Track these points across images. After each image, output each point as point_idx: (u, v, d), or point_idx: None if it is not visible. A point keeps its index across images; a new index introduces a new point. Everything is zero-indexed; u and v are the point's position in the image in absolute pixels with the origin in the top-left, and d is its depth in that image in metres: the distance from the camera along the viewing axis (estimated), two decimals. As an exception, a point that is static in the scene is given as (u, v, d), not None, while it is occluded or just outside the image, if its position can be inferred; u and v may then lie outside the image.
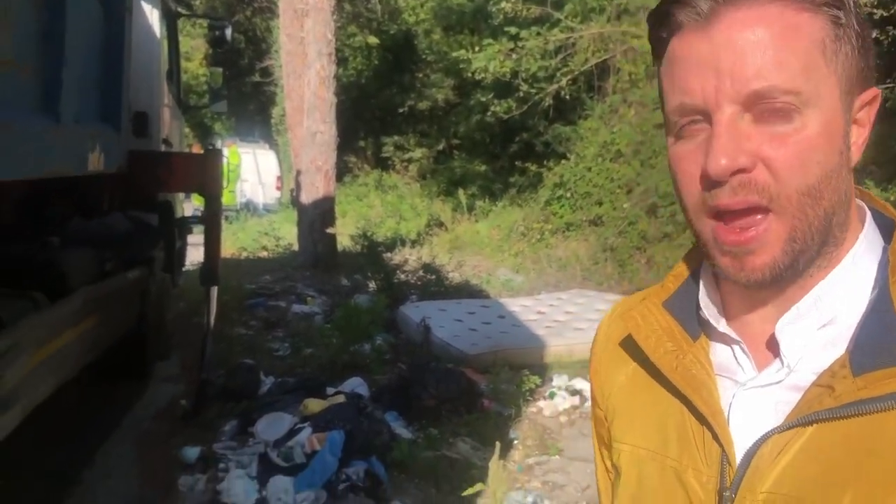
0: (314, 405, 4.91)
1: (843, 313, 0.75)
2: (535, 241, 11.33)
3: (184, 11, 7.56)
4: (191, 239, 7.44)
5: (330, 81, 11.08)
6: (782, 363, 0.76)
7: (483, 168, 18.79)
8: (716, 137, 0.71)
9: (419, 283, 9.25)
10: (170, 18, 6.75)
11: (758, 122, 0.71)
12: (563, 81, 13.07)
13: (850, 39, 0.73)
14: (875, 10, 4.91)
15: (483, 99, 15.95)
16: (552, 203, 11.63)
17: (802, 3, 0.72)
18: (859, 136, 0.76)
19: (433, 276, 9.24)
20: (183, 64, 8.89)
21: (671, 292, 0.89)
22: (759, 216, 0.72)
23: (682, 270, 0.90)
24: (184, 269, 7.48)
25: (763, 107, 0.71)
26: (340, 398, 5.12)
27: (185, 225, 7.03)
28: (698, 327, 0.85)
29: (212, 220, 5.54)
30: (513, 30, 13.37)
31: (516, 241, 11.81)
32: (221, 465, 4.34)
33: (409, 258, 10.70)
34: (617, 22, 12.92)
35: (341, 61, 17.73)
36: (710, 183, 0.72)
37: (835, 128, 0.73)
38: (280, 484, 4.03)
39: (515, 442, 4.90)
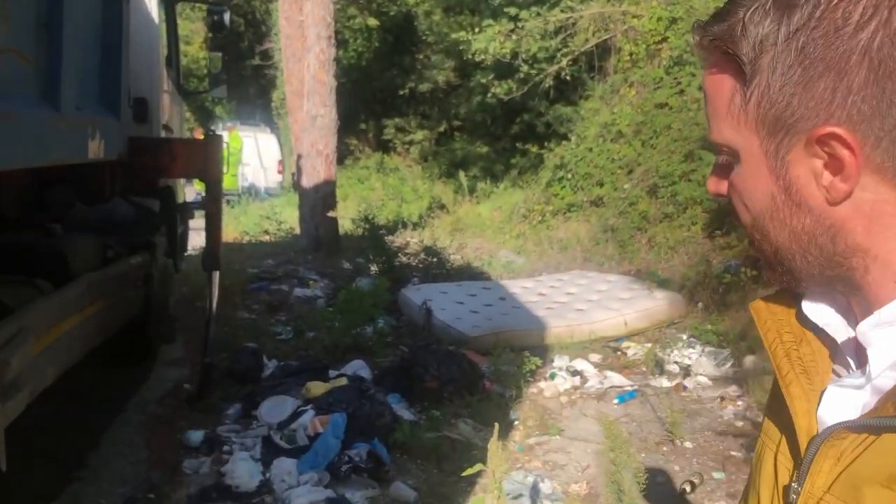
0: (317, 388, 4.95)
1: None
2: (537, 223, 11.33)
3: (182, -4, 7.53)
4: (192, 224, 7.47)
5: (329, 64, 11.06)
6: (865, 368, 0.75)
7: (484, 150, 18.77)
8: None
9: (421, 265, 9.29)
10: (168, 3, 6.74)
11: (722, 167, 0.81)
12: (564, 62, 13.03)
13: (766, 77, 0.70)
14: None
15: (483, 80, 15.92)
16: (553, 184, 11.63)
17: (716, 56, 0.75)
18: (833, 175, 0.70)
19: (435, 259, 9.27)
20: (182, 48, 8.87)
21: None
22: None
23: None
24: (186, 253, 7.52)
25: (718, 153, 0.81)
26: (343, 381, 5.16)
27: (187, 210, 7.05)
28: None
29: (213, 204, 5.56)
30: (512, 10, 13.33)
31: (517, 223, 11.82)
32: (225, 448, 4.39)
33: (410, 241, 10.73)
34: (617, 1, 12.85)
35: (341, 43, 17.69)
36: None
37: (757, 174, 0.75)
38: (283, 466, 4.08)
39: (516, 422, 4.95)
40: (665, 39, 11.30)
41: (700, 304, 7.18)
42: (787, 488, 0.78)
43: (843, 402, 0.75)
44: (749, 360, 5.83)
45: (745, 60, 0.71)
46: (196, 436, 4.50)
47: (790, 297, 0.85)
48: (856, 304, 0.77)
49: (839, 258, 0.74)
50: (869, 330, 0.73)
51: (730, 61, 0.73)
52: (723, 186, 0.81)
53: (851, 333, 0.78)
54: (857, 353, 0.78)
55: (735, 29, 0.71)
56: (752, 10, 0.70)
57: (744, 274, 6.71)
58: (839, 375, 0.79)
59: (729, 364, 5.92)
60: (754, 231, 0.79)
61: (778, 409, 0.84)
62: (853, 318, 0.78)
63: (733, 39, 0.72)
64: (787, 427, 0.81)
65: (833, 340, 0.80)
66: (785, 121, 0.71)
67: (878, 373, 0.72)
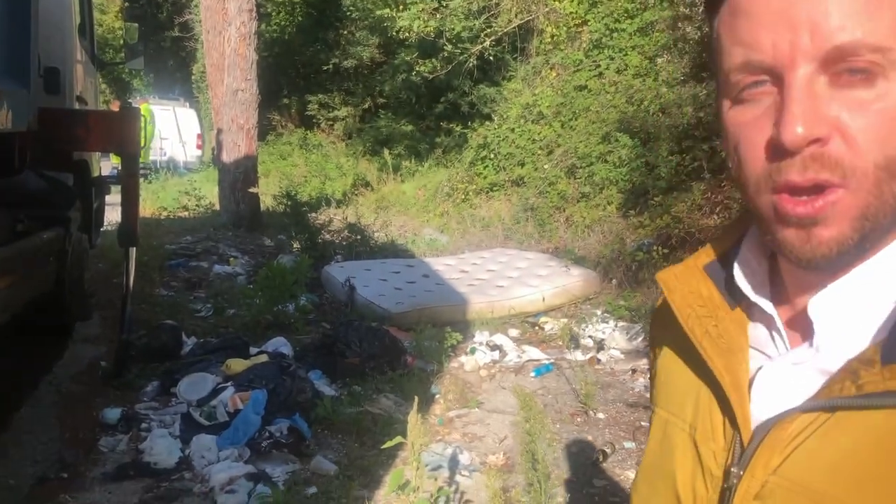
0: (237, 365, 4.95)
1: (885, 297, 0.68)
2: (460, 202, 11.46)
3: (96, -37, 7.29)
4: (109, 199, 7.29)
5: (251, 38, 10.88)
6: (811, 344, 0.71)
7: (409, 128, 18.76)
8: (791, 101, 0.62)
9: (344, 243, 9.29)
10: (81, -30, 6.51)
11: (835, 86, 0.62)
12: (487, 42, 13.13)
13: None
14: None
15: (408, 58, 15.89)
16: (476, 164, 11.76)
17: None
18: None
19: (358, 237, 9.29)
20: (97, 17, 8.58)
21: (713, 257, 0.83)
22: (828, 190, 0.63)
23: (727, 237, 0.84)
24: (102, 229, 7.33)
25: (843, 66, 0.61)
26: (263, 358, 5.16)
27: (103, 184, 6.88)
28: (737, 298, 0.79)
29: (130, 179, 5.45)
30: (437, -12, 13.32)
31: (441, 202, 11.92)
32: (143, 426, 4.35)
33: (334, 218, 10.70)
34: (540, -17, 13.00)
35: (263, 17, 17.34)
36: (780, 153, 0.64)
37: None
38: (203, 442, 4.07)
39: (437, 396, 5.05)
40: (585, 23, 11.51)
41: (614, 281, 7.43)
42: (727, 472, 0.74)
43: (780, 381, 0.73)
44: (659, 334, 6.07)
45: None
46: (113, 413, 4.44)
47: (697, 269, 0.82)
48: (818, 280, 0.71)
49: None
50: (820, 303, 0.70)
51: None
52: (820, 124, 0.62)
53: (772, 309, 0.75)
54: (795, 327, 0.75)
55: None
56: None
57: (656, 252, 6.97)
58: (761, 352, 0.76)
59: (641, 338, 6.15)
60: (885, 172, 0.63)
61: (685, 387, 0.82)
62: (766, 290, 0.77)
63: None
64: (707, 406, 0.78)
65: (753, 314, 0.78)
66: None
67: (829, 350, 0.69)
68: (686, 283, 0.81)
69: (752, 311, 0.79)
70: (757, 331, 0.78)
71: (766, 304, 0.75)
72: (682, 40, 9.28)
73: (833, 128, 0.62)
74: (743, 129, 0.68)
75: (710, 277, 0.81)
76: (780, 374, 0.73)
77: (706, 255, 0.84)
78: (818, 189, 0.63)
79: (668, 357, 0.88)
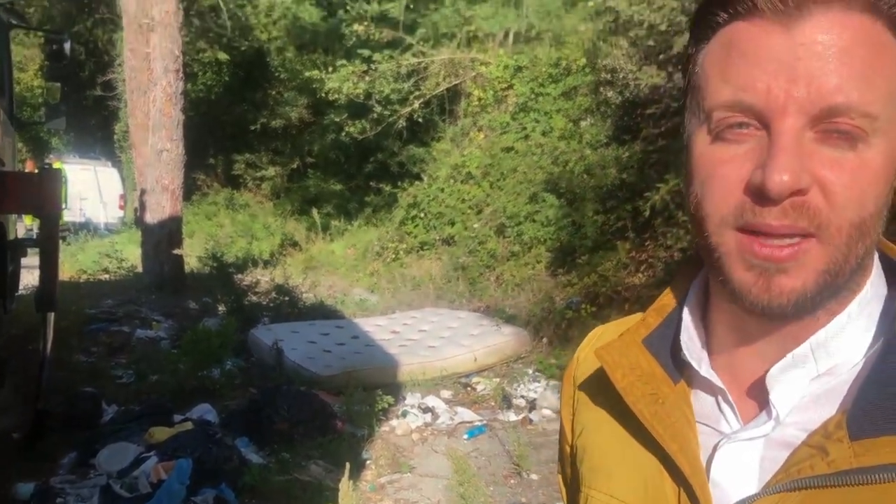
0: (160, 433, 4.77)
1: (841, 365, 0.68)
2: (390, 261, 11.46)
3: (17, 22, 7.15)
4: (26, 262, 7.02)
5: (177, 98, 10.78)
6: (770, 415, 0.69)
7: (338, 187, 18.77)
8: (780, 149, 0.62)
9: (272, 304, 9.13)
10: (1, 29, 6.38)
11: (820, 143, 0.63)
12: (416, 104, 13.35)
13: None
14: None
15: (338, 119, 15.98)
16: (406, 223, 11.82)
17: (892, 21, 0.64)
18: None
19: (286, 298, 9.15)
20: (16, 75, 8.38)
21: (652, 328, 0.81)
22: (799, 238, 0.64)
23: (663, 305, 0.82)
24: (17, 293, 7.04)
25: (830, 126, 0.63)
26: (188, 425, 5.00)
27: (19, 247, 6.63)
28: (679, 369, 0.77)
29: (49, 241, 5.27)
30: (366, 52, 13.54)
31: (371, 261, 11.89)
32: (59, 500, 4.13)
33: (261, 279, 10.54)
34: (467, 48, 13.36)
35: (190, 76, 17.26)
36: (760, 198, 0.63)
37: (894, 164, 0.65)
38: (124, 516, 3.89)
39: (368, 462, 4.96)
40: (511, 86, 11.84)
41: (545, 339, 7.50)
42: None
43: (740, 459, 0.70)
44: (590, 392, 6.13)
45: None
46: (26, 488, 4.20)
47: (636, 345, 0.79)
48: (762, 338, 0.70)
49: (860, 275, 0.68)
50: (779, 373, 0.69)
51: None
52: (805, 177, 0.63)
53: (717, 382, 0.73)
54: (740, 400, 0.73)
55: None
56: None
57: (584, 310, 7.09)
58: (711, 426, 0.74)
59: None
60: (856, 229, 0.64)
61: (629, 469, 0.77)
62: (711, 360, 0.75)
63: None
64: (660, 491, 0.74)
65: (701, 387, 0.76)
66: None
67: (786, 420, 0.68)
68: (626, 359, 0.78)
69: (693, 382, 0.77)
70: (701, 403, 0.75)
71: (716, 378, 0.73)
72: (605, 104, 9.62)
73: (814, 181, 0.63)
74: (718, 165, 0.67)
75: (650, 351, 0.78)
76: (739, 453, 0.70)
77: (644, 327, 0.81)
78: (791, 237, 0.64)
79: (602, 435, 0.82)
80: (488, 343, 7.19)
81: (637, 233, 7.79)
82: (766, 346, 0.70)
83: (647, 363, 0.77)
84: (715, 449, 0.72)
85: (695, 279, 0.81)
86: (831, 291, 0.66)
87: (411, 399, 6.19)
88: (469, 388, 6.64)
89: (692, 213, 0.70)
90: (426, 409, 5.99)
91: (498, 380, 6.65)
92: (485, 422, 5.84)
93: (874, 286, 0.71)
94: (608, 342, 0.81)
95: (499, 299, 8.88)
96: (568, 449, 0.90)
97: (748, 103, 0.64)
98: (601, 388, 0.81)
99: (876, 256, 0.72)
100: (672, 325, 0.79)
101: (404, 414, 5.86)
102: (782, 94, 0.63)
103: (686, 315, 0.78)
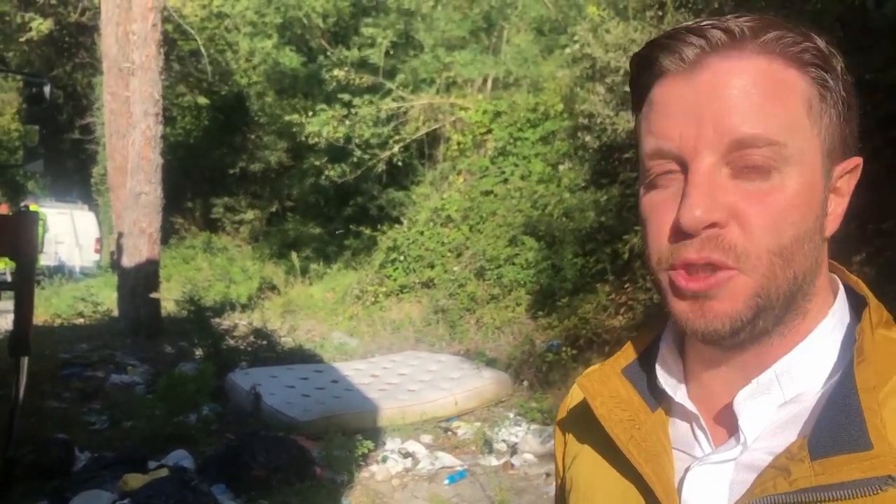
0: (135, 480, 4.66)
1: (807, 392, 0.72)
2: (370, 304, 11.41)
3: (-4, 65, 7.15)
4: (-2, 306, 6.91)
5: (156, 142, 10.78)
6: (738, 440, 0.72)
7: (317, 231, 18.77)
8: (692, 187, 0.67)
9: (249, 348, 9.03)
10: (-20, 72, 6.37)
11: (735, 178, 0.68)
12: (396, 148, 13.47)
13: (835, 104, 0.71)
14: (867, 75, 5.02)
15: (317, 162, 16.07)
16: (386, 266, 11.80)
17: (790, 59, 0.70)
18: (838, 206, 0.74)
19: (264, 342, 9.06)
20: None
21: (631, 359, 0.84)
22: (721, 270, 0.68)
23: (643, 337, 0.86)
24: (-11, 338, 6.91)
25: (742, 160, 0.67)
26: (164, 472, 4.89)
27: (-8, 291, 6.51)
28: (657, 398, 0.81)
29: (25, 285, 5.18)
30: (346, 97, 13.66)
31: (351, 304, 11.83)
32: (28, 552, 4.01)
33: (239, 323, 10.43)
34: (446, 94, 13.53)
35: (169, 120, 17.29)
36: (680, 235, 0.68)
37: (813, 190, 0.70)
38: (95, 568, 3.77)
39: (348, 508, 4.87)
40: (490, 131, 11.97)
41: (525, 383, 7.46)
42: None
43: (708, 482, 0.73)
44: (571, 436, 6.09)
45: (829, 82, 0.71)
46: (-7, 540, 4.08)
47: (616, 374, 0.83)
48: (732, 367, 0.74)
49: (801, 299, 0.72)
50: (745, 399, 0.72)
51: (808, 72, 0.70)
52: (718, 210, 0.67)
53: (695, 409, 0.76)
54: (713, 425, 0.76)
55: (823, 52, 0.71)
56: (825, 44, 0.71)
57: (565, 353, 7.07)
58: (686, 452, 0.76)
59: (553, 441, 6.14)
60: (777, 256, 0.68)
61: (609, 496, 0.80)
62: (688, 389, 0.78)
63: (825, 57, 0.71)
64: None
65: (673, 412, 0.79)
66: (837, 147, 0.72)
67: (753, 444, 0.71)
68: (606, 388, 0.82)
69: (671, 409, 0.80)
70: (678, 429, 0.79)
71: (689, 405, 0.77)
72: (582, 148, 9.74)
73: (730, 214, 0.67)
74: (652, 210, 0.72)
75: (629, 380, 0.82)
76: (708, 475, 0.73)
77: (624, 357, 0.85)
78: (712, 268, 0.68)
79: (587, 465, 0.85)
80: (469, 387, 7.14)
81: (616, 275, 7.83)
82: (730, 373, 0.74)
83: (625, 391, 0.81)
84: (686, 472, 0.75)
85: None
86: (771, 317, 0.70)
87: (391, 444, 6.11)
88: (450, 433, 6.56)
89: (644, 255, 0.76)
90: (406, 454, 5.91)
91: (479, 424, 6.58)
92: (466, 466, 5.77)
93: (836, 315, 0.75)
94: (589, 371, 0.86)
95: (479, 342, 8.85)
96: (559, 481, 0.93)
97: (666, 149, 0.70)
98: (586, 419, 0.83)
99: (841, 286, 0.77)
100: (651, 356, 0.83)
101: (384, 459, 5.77)
102: (692, 137, 0.68)
103: (663, 346, 0.82)
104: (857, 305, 0.76)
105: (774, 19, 0.71)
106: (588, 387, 0.82)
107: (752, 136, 0.67)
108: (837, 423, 0.66)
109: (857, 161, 0.75)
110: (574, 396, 0.92)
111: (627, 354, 0.85)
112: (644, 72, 0.75)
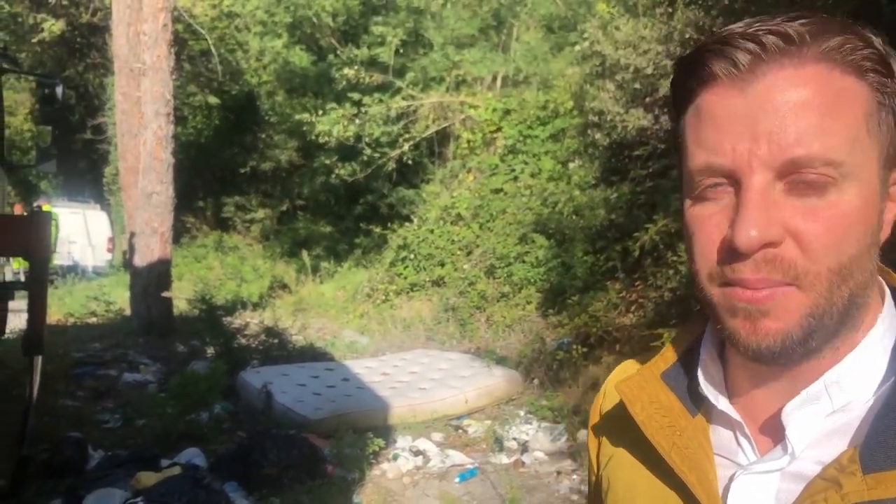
0: (147, 478, 4.69)
1: (855, 401, 0.70)
2: (380, 302, 11.43)
3: (9, 67, 7.20)
4: (12, 305, 6.96)
5: (167, 141, 10.82)
6: (785, 449, 0.71)
7: (328, 229, 18.81)
8: (746, 206, 0.65)
9: (261, 347, 9.07)
10: (-7, 74, 6.43)
11: (790, 194, 0.66)
12: (406, 147, 13.48)
13: (893, 109, 0.68)
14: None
15: (327, 161, 16.09)
16: (396, 264, 11.82)
17: (849, 67, 0.67)
18: (889, 212, 0.71)
19: (276, 340, 9.09)
20: (6, 119, 8.42)
21: (670, 363, 0.83)
22: (779, 286, 0.66)
23: (682, 340, 0.85)
24: (3, 336, 6.96)
25: (798, 177, 0.65)
26: (176, 470, 4.92)
27: (7, 290, 6.57)
28: (696, 404, 0.79)
29: (38, 285, 5.23)
30: (356, 95, 13.67)
31: (361, 303, 11.86)
32: (42, 550, 4.04)
33: (250, 322, 10.47)
34: (455, 92, 13.53)
35: (180, 120, 17.37)
36: (733, 254, 0.66)
37: (872, 204, 0.67)
38: (109, 565, 3.80)
39: (359, 506, 4.89)
40: (500, 129, 11.96)
41: (535, 381, 7.46)
42: None
43: (756, 491, 0.72)
44: (582, 434, 6.09)
45: (890, 88, 0.68)
46: (8, 538, 4.11)
47: (655, 379, 0.82)
48: (782, 377, 0.72)
49: (856, 312, 0.69)
50: (794, 410, 0.70)
51: (865, 80, 0.67)
52: (773, 229, 0.65)
53: (739, 417, 0.75)
54: (757, 434, 0.75)
55: (883, 55, 0.67)
56: (882, 45, 0.68)
57: (575, 351, 7.07)
58: (729, 459, 0.76)
59: (563, 439, 6.14)
60: (836, 275, 0.66)
61: (650, 501, 0.79)
62: (729, 396, 0.77)
63: (884, 60, 0.67)
64: None
65: (718, 420, 0.78)
66: (893, 155, 0.69)
67: (799, 454, 0.70)
68: (645, 393, 0.81)
69: (711, 415, 0.79)
70: (719, 436, 0.77)
71: (733, 412, 0.75)
72: (592, 146, 9.72)
73: (787, 232, 0.65)
74: (700, 224, 0.70)
75: (668, 385, 0.81)
76: (753, 484, 0.72)
77: (663, 361, 0.84)
78: (769, 283, 0.66)
79: (625, 466, 0.84)
80: (479, 385, 7.15)
81: (627, 273, 7.81)
82: (777, 384, 0.73)
83: (665, 397, 0.80)
84: (731, 480, 0.73)
85: None
86: (823, 334, 0.67)
87: (402, 442, 6.12)
88: (460, 431, 6.57)
89: (689, 269, 0.74)
90: (417, 452, 5.92)
91: (489, 422, 6.59)
92: (476, 464, 5.77)
93: (886, 321, 0.72)
94: (628, 376, 0.84)
95: (489, 340, 8.85)
96: (594, 479, 0.93)
97: (718, 165, 0.68)
98: (624, 421, 0.82)
99: (888, 291, 0.74)
100: (690, 361, 0.82)
101: (395, 457, 5.79)
102: (746, 153, 0.66)
103: (703, 351, 0.81)
104: None
105: (831, 21, 0.67)
106: (627, 392, 0.81)
107: (808, 156, 0.64)
108: (892, 435, 0.64)
109: None
110: (608, 398, 0.91)
111: (666, 358, 0.84)
112: (690, 75, 0.72)
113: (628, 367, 0.93)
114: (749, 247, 0.65)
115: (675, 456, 0.75)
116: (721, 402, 0.76)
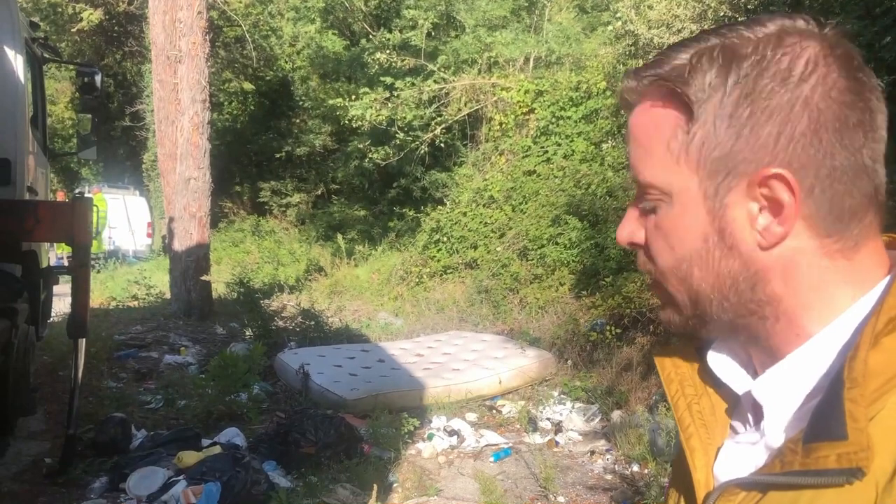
0: (189, 457, 4.81)
1: (822, 381, 0.73)
2: (414, 285, 11.49)
3: (50, 56, 7.36)
4: (57, 289, 7.15)
5: (204, 127, 10.97)
6: (758, 426, 0.77)
7: (362, 213, 18.90)
8: (625, 217, 0.83)
9: (298, 329, 9.20)
10: (35, 64, 6.57)
11: (641, 212, 0.80)
12: (438, 130, 13.46)
13: (711, 119, 0.72)
14: None
15: (361, 145, 16.14)
16: (430, 247, 11.87)
17: (657, 96, 0.76)
18: (771, 218, 0.71)
19: (312, 322, 9.21)
20: (48, 107, 8.60)
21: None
22: (653, 283, 0.81)
23: None
24: (49, 320, 7.16)
25: (641, 197, 0.79)
26: (216, 449, 5.04)
27: (51, 275, 6.75)
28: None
29: (81, 270, 5.38)
30: (388, 80, 13.68)
31: (395, 285, 11.94)
32: (91, 524, 4.19)
33: (287, 304, 10.62)
34: (487, 74, 13.47)
35: (216, 106, 17.57)
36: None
37: (692, 214, 0.75)
38: (154, 539, 3.93)
39: (395, 485, 4.97)
40: (532, 111, 11.91)
41: (569, 362, 7.48)
42: None
43: (737, 459, 0.77)
44: (616, 414, 6.11)
45: (693, 100, 0.72)
46: (58, 513, 4.27)
47: (691, 349, 0.86)
48: (756, 356, 0.79)
49: (754, 305, 0.75)
50: (765, 386, 0.75)
51: (673, 100, 0.74)
52: (639, 235, 0.80)
53: (735, 388, 0.80)
54: (755, 408, 0.79)
55: (683, 70, 0.73)
56: (699, 55, 0.73)
57: (609, 332, 7.07)
58: (737, 431, 0.81)
59: (597, 419, 6.17)
60: (672, 275, 0.78)
61: (679, 463, 0.86)
62: (752, 372, 0.80)
63: (683, 79, 0.73)
64: (685, 481, 0.82)
65: (733, 394, 0.81)
66: (728, 162, 0.72)
67: (772, 430, 0.74)
68: (678, 365, 0.87)
69: (720, 388, 0.84)
70: (737, 408, 0.83)
71: (735, 386, 0.80)
72: (626, 127, 9.64)
73: (639, 241, 0.81)
74: None
75: (700, 359, 0.85)
76: (737, 451, 0.78)
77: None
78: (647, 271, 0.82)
79: (678, 438, 0.90)
80: (513, 366, 7.19)
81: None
82: (749, 361, 0.81)
83: (689, 367, 0.87)
84: (718, 450, 0.80)
85: None
86: (716, 322, 0.78)
87: (437, 422, 6.20)
88: (494, 411, 6.63)
89: None
90: (452, 432, 6.00)
91: (523, 402, 6.64)
92: (510, 444, 5.83)
93: (857, 309, 0.72)
94: (667, 347, 0.90)
95: (523, 322, 8.87)
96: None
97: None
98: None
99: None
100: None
101: (430, 437, 5.87)
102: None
103: None
104: None
105: (686, 41, 0.76)
106: (661, 363, 0.89)
107: (641, 183, 0.78)
108: (824, 411, 0.68)
109: (767, 172, 0.70)
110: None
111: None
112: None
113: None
114: (620, 243, 0.84)
115: (686, 417, 0.83)
116: (726, 377, 0.81)
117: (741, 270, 0.74)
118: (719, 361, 0.82)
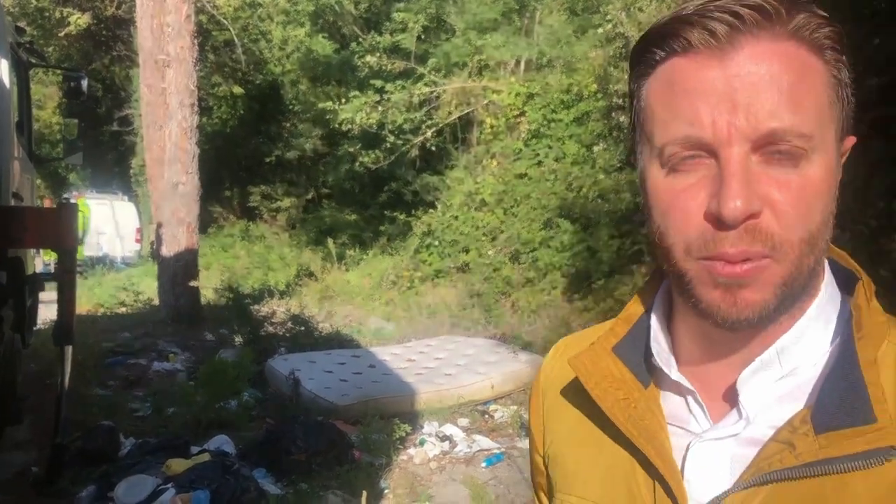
0: (178, 465, 4.75)
1: (803, 365, 0.73)
2: (406, 289, 11.46)
3: (36, 61, 7.28)
4: (43, 296, 7.07)
5: (192, 132, 10.91)
6: (740, 415, 0.73)
7: (353, 217, 18.86)
8: (730, 177, 0.66)
9: (288, 335, 9.14)
10: (21, 68, 6.49)
11: (765, 164, 0.67)
12: (429, 133, 13.45)
13: (846, 86, 0.71)
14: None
15: (351, 149, 16.11)
16: (421, 251, 11.84)
17: (813, 45, 0.69)
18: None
19: (302, 328, 9.16)
20: (35, 112, 8.53)
21: (620, 337, 0.84)
22: (758, 259, 0.67)
23: (630, 314, 0.86)
24: (35, 328, 7.08)
25: (772, 148, 0.67)
26: (206, 457, 4.98)
27: (37, 282, 6.67)
28: (648, 374, 0.81)
29: (66, 276, 5.30)
30: (378, 83, 13.66)
31: (387, 290, 11.90)
32: (77, 535, 4.12)
33: (277, 310, 10.56)
34: (478, 77, 13.46)
35: (205, 110, 17.49)
36: (715, 227, 0.67)
37: (833, 175, 0.70)
38: (141, 550, 3.87)
39: (386, 491, 4.92)
40: (523, 113, 11.89)
41: (562, 366, 7.43)
42: None
43: (710, 457, 0.74)
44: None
45: (844, 66, 0.71)
46: (44, 524, 4.20)
47: (607, 353, 0.82)
48: (728, 346, 0.75)
49: (814, 281, 0.73)
50: (749, 376, 0.73)
51: (819, 54, 0.69)
52: (756, 200, 0.66)
53: (687, 384, 0.77)
54: (710, 401, 0.76)
55: (839, 35, 0.70)
56: (837, 26, 0.70)
57: (601, 336, 7.03)
58: (682, 427, 0.77)
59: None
60: (805, 245, 0.68)
61: (606, 474, 0.80)
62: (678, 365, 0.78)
63: (840, 38, 0.70)
64: (644, 491, 0.77)
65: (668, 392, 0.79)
66: (846, 124, 0.72)
67: (756, 419, 0.72)
68: (598, 368, 0.81)
69: (662, 385, 0.81)
70: (671, 405, 0.79)
71: (685, 381, 0.77)
72: (617, 129, 9.64)
73: (764, 203, 0.66)
74: (675, 197, 0.70)
75: (620, 358, 0.82)
76: (709, 452, 0.75)
77: (614, 335, 0.85)
78: (748, 255, 0.67)
79: (572, 441, 0.86)
80: (505, 370, 7.15)
81: (653, 257, 7.76)
82: (731, 352, 0.75)
83: (617, 370, 0.81)
84: (687, 449, 0.76)
85: (659, 290, 0.85)
86: (790, 301, 0.70)
87: (429, 427, 6.15)
88: (486, 416, 6.59)
89: (656, 243, 0.74)
90: (444, 438, 5.95)
91: (515, 407, 6.59)
92: (503, 449, 5.79)
93: (828, 289, 0.76)
94: (580, 352, 0.84)
95: (515, 326, 8.84)
96: (539, 458, 0.94)
97: (696, 137, 0.68)
98: (572, 397, 0.86)
99: (826, 261, 0.77)
100: (640, 333, 0.84)
101: (422, 442, 5.82)
102: (725, 125, 0.66)
103: (654, 323, 0.83)
104: (842, 278, 0.78)
105: None
106: (581, 368, 0.82)
107: (782, 129, 0.66)
108: (840, 397, 0.68)
109: (853, 140, 0.74)
110: (551, 374, 0.92)
111: (617, 332, 0.85)
112: (660, 43, 0.72)
113: (568, 342, 0.95)
114: (734, 218, 0.65)
115: (632, 428, 0.77)
116: (673, 372, 0.78)
117: (828, 238, 0.72)
118: (659, 359, 0.80)
